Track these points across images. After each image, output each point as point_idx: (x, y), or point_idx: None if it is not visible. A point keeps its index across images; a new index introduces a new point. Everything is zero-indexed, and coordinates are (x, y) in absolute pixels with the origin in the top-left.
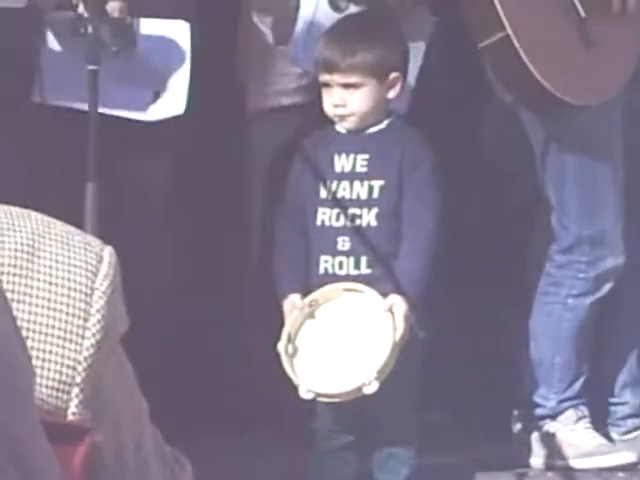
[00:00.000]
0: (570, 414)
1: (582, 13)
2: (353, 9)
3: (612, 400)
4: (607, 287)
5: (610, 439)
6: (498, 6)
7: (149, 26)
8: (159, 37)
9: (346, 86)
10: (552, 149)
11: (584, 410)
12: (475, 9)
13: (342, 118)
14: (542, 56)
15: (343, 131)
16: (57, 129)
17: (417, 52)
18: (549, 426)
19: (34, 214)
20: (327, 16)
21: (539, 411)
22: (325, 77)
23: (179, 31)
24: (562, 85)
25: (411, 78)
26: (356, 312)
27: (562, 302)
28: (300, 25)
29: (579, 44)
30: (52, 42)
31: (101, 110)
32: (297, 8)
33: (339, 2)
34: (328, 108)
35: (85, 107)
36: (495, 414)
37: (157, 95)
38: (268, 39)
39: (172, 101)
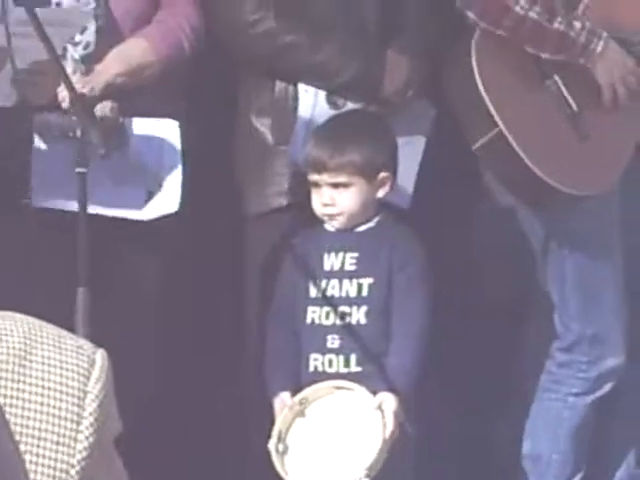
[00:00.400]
0: None
1: (574, 107)
2: (350, 106)
3: None
4: (608, 386)
5: None
6: (489, 103)
7: (139, 125)
8: (150, 136)
9: (335, 185)
10: (552, 246)
11: None
12: (466, 109)
13: (331, 217)
14: (537, 150)
15: (332, 230)
16: (48, 231)
17: (418, 145)
18: None
19: (26, 318)
20: (325, 114)
21: None
22: (314, 176)
23: (169, 129)
24: (559, 177)
25: (412, 172)
26: (346, 410)
27: (562, 400)
28: (299, 124)
29: (573, 137)
30: (40, 143)
31: (95, 211)
32: (296, 108)
33: (337, 100)
34: (317, 207)
35: (75, 209)
36: None
37: (150, 194)
38: (268, 140)
39: (166, 199)
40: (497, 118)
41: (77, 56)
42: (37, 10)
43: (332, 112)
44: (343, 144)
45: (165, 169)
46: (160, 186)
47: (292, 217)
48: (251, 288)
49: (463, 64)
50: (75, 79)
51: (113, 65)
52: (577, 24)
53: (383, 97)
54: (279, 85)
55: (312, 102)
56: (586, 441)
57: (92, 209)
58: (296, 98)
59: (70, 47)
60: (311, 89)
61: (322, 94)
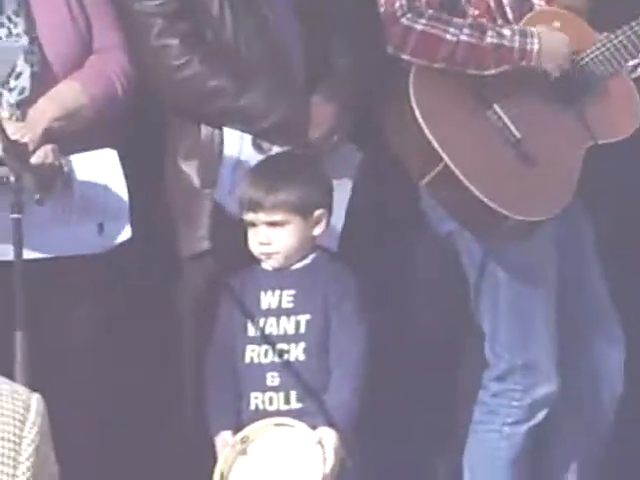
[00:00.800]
0: None
1: (517, 134)
2: (276, 150)
3: None
4: (541, 415)
5: None
6: (432, 139)
7: (79, 161)
8: (91, 169)
9: (271, 224)
10: (487, 276)
11: None
12: (409, 147)
13: (268, 256)
14: (484, 179)
15: (269, 268)
16: None
17: (345, 188)
18: None
19: None
20: (251, 157)
21: None
22: (250, 216)
23: (108, 159)
24: (507, 203)
25: (340, 214)
26: (287, 446)
27: (498, 430)
28: (225, 167)
29: (518, 164)
30: None
31: (50, 254)
32: (221, 151)
33: (262, 143)
34: (254, 246)
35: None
36: None
37: (102, 226)
38: (194, 183)
39: (118, 228)
40: (442, 152)
41: (12, 101)
42: None
43: (258, 155)
44: (278, 183)
45: (112, 199)
46: (110, 216)
47: (221, 259)
48: (188, 329)
49: (402, 103)
50: (12, 127)
51: (48, 109)
52: (507, 32)
53: (308, 142)
54: (205, 129)
55: (238, 145)
56: (524, 473)
57: (47, 252)
58: (222, 142)
59: (5, 92)
60: (237, 133)
61: (248, 138)
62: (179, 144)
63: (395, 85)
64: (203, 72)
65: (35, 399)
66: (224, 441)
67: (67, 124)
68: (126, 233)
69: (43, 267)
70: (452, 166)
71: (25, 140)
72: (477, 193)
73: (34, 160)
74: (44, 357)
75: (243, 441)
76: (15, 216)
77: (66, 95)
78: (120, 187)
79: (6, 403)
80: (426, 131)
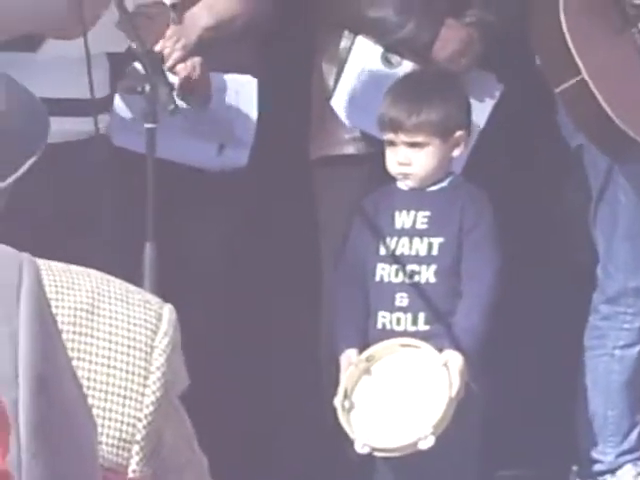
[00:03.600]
0: (629, 469)
1: None
2: (406, 65)
3: None
4: None
5: None
6: (573, 51)
7: (218, 80)
8: (228, 91)
9: (411, 145)
10: (609, 195)
11: None
12: (550, 55)
13: (406, 176)
14: (619, 100)
15: (405, 188)
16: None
17: (480, 113)
18: None
19: (93, 272)
20: (377, 70)
21: (597, 467)
22: (390, 135)
23: (247, 86)
24: (638, 127)
25: (472, 138)
26: (412, 367)
27: (609, 354)
28: (346, 76)
29: None
30: (118, 92)
31: (166, 157)
32: (345, 59)
33: (391, 58)
34: (392, 166)
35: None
36: (554, 470)
37: (222, 147)
38: (330, 88)
39: (236, 154)
40: (581, 66)
41: (167, 3)
42: None
43: (385, 69)
44: (420, 103)
45: (239, 125)
46: (232, 141)
47: (360, 172)
48: (314, 238)
49: (551, 11)
50: (169, 31)
51: (202, 18)
52: None
53: (435, 60)
54: (345, 39)
55: (365, 56)
56: (638, 395)
57: (167, 156)
58: (350, 50)
59: None
60: (367, 44)
61: (377, 50)
62: (324, 48)
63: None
64: None
65: (167, 309)
66: (349, 359)
67: (218, 34)
68: (242, 160)
69: (174, 178)
70: (589, 81)
71: (180, 44)
72: (609, 112)
73: (181, 70)
74: (173, 268)
75: (368, 360)
76: (149, 126)
77: (220, 3)
78: (250, 116)
79: (137, 312)
80: (569, 41)
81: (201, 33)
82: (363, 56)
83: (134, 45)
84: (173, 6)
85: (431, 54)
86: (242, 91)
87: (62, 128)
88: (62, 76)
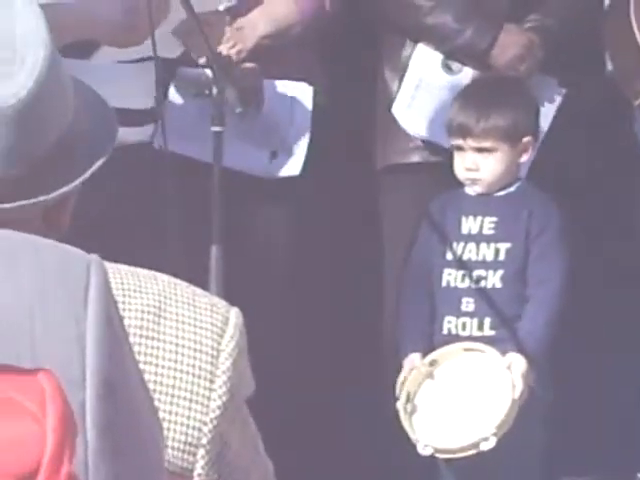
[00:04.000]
0: None
1: None
2: (467, 71)
3: None
4: None
5: None
6: None
7: (273, 86)
8: (283, 98)
9: (479, 150)
10: None
11: None
12: (626, 68)
13: (473, 182)
14: None
15: (472, 194)
16: (179, 179)
17: (542, 117)
18: None
19: (160, 276)
20: (437, 77)
21: None
22: (458, 141)
23: (302, 93)
24: None
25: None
26: (475, 370)
27: None
28: (407, 83)
29: None
30: (175, 96)
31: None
32: (406, 67)
33: (451, 64)
34: (460, 171)
35: (205, 160)
36: (618, 477)
37: (274, 154)
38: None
39: (288, 162)
40: None
41: (221, 8)
42: None
43: (446, 76)
44: (488, 109)
45: (294, 132)
46: (285, 148)
47: (426, 177)
48: (379, 243)
49: (622, 22)
50: (226, 36)
51: (259, 24)
52: None
53: (493, 66)
54: (408, 45)
55: (425, 63)
56: None
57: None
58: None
59: None
60: (427, 51)
61: (437, 57)
62: (388, 60)
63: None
64: None
65: (234, 313)
66: (412, 363)
67: (276, 41)
68: (295, 169)
69: (241, 179)
70: None
71: (235, 50)
72: None
73: (237, 75)
74: (239, 272)
75: (431, 364)
76: (216, 129)
77: (279, 11)
78: (305, 124)
79: (204, 316)
80: None
81: (258, 40)
82: (423, 64)
83: (192, 51)
84: (227, 10)
85: (490, 60)
86: (297, 99)
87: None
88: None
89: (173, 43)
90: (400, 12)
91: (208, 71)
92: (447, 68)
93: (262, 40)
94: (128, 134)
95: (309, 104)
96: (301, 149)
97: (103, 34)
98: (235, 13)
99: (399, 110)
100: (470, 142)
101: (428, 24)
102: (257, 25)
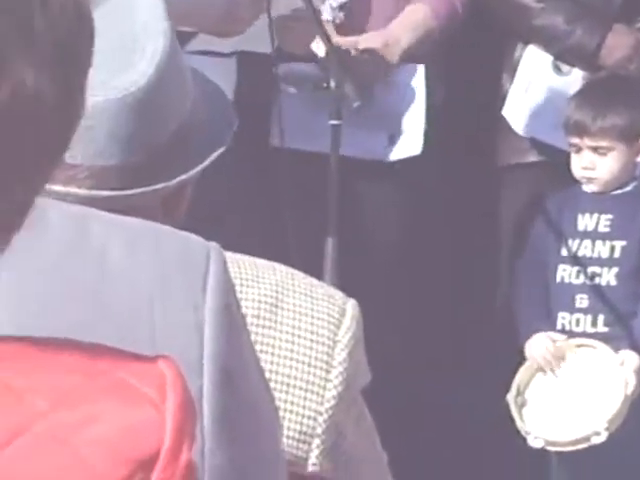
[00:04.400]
0: None
1: None
2: (577, 72)
3: None
4: None
5: None
6: None
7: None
8: (394, 80)
9: (596, 149)
10: None
11: None
12: None
13: (590, 180)
14: None
15: (589, 191)
16: (296, 174)
17: None
18: None
19: (278, 266)
20: (547, 79)
21: None
22: (575, 140)
23: (414, 73)
24: None
25: None
26: (587, 366)
27: None
28: (517, 85)
29: None
30: (288, 90)
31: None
32: (517, 68)
33: (561, 66)
34: (576, 170)
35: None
36: None
37: (392, 138)
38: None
39: (408, 143)
40: None
41: (335, 4)
42: None
43: (556, 77)
44: (605, 108)
45: (408, 113)
46: (403, 130)
47: (543, 174)
48: (496, 235)
49: None
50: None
51: (403, 39)
52: None
53: (602, 67)
54: (520, 47)
55: (535, 65)
56: None
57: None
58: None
59: None
60: (537, 52)
61: (548, 59)
62: (505, 59)
63: None
64: None
65: (351, 304)
66: (540, 341)
67: (418, 50)
68: (415, 148)
69: (354, 167)
70: None
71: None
72: None
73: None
74: (353, 262)
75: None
76: (334, 122)
77: (417, 19)
78: (419, 103)
79: (321, 307)
80: None
81: (403, 54)
82: (533, 65)
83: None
84: (340, 7)
85: (598, 61)
86: (411, 80)
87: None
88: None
89: (266, 37)
90: (510, 14)
91: (314, 65)
92: (557, 69)
93: (406, 52)
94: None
95: (422, 85)
96: (417, 129)
97: (205, 23)
98: (347, 10)
99: (510, 112)
100: (587, 141)
101: (538, 25)
102: (400, 39)
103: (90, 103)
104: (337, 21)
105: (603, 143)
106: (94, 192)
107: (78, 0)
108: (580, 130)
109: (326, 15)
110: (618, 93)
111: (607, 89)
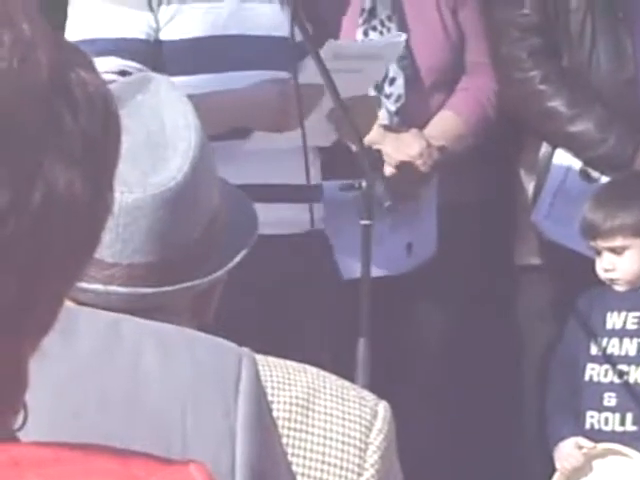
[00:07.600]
0: None
1: None
2: (604, 180)
3: None
4: None
5: None
6: None
7: None
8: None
9: (613, 250)
10: None
11: None
12: None
13: (613, 281)
14: None
15: (617, 289)
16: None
17: None
18: None
19: (309, 368)
20: (576, 185)
21: None
22: (591, 242)
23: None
24: None
25: None
26: (618, 474)
27: None
28: (547, 190)
29: None
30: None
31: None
32: (542, 169)
33: (590, 172)
34: (600, 272)
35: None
36: None
37: (410, 246)
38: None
39: (425, 247)
40: None
41: (393, 109)
42: (347, 45)
43: (585, 184)
44: (617, 208)
45: (421, 217)
46: (418, 236)
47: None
48: (527, 341)
49: None
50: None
51: (435, 149)
52: None
53: (635, 173)
54: (545, 147)
55: (564, 170)
56: None
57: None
58: (549, 163)
59: (384, 99)
60: (567, 157)
61: (577, 164)
62: (523, 155)
63: None
64: (542, 91)
65: (382, 406)
66: (569, 447)
67: (449, 156)
68: (431, 250)
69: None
70: None
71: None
72: None
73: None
74: (386, 365)
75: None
76: (365, 222)
77: (448, 129)
78: (429, 205)
79: (352, 409)
80: None
81: (436, 158)
82: (562, 171)
83: (344, 140)
84: (397, 112)
85: (630, 167)
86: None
87: (278, 215)
88: (272, 164)
89: (327, 130)
90: (541, 119)
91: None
92: (586, 176)
93: (438, 157)
94: (289, 209)
95: (433, 191)
96: (432, 232)
97: (257, 119)
98: (403, 114)
99: (538, 219)
100: (600, 242)
101: (569, 132)
102: (433, 153)
103: (127, 200)
104: (394, 125)
105: (617, 243)
106: (135, 290)
107: (106, 98)
108: (593, 231)
109: (383, 119)
110: (629, 192)
111: (623, 189)
